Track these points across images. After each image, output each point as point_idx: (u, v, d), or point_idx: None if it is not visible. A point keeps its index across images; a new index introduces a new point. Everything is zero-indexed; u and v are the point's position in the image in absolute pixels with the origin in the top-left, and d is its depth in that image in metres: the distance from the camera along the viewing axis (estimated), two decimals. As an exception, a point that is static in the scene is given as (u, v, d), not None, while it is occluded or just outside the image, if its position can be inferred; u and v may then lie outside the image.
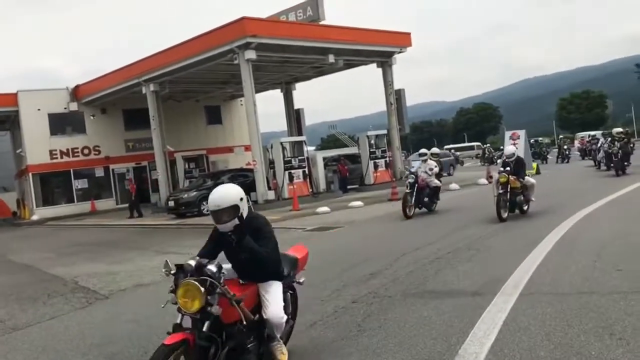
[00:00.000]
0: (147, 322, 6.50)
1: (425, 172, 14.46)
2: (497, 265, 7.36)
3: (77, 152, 30.62)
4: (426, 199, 14.35)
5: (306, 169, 22.36)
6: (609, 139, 22.54)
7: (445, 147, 67.64)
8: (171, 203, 21.71)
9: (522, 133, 25.17)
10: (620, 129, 21.81)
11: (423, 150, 15.97)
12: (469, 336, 4.73)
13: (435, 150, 19.02)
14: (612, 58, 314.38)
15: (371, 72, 27.19)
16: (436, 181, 14.66)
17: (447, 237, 10.04)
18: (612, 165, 20.47)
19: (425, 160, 14.88)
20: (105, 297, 8.25)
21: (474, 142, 75.14)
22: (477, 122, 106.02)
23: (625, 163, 19.84)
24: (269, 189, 21.40)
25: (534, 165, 25.42)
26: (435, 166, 14.88)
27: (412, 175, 14.31)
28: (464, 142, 79.61)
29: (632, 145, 21.81)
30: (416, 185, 14.10)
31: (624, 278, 6.04)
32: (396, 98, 26.81)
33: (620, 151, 19.56)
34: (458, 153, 59.42)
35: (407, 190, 14.14)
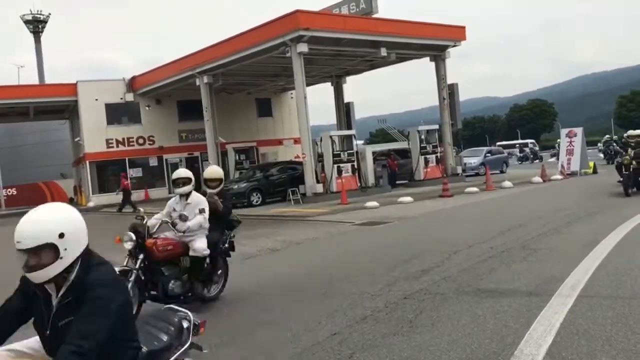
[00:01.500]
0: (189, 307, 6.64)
1: None
2: (553, 266, 7.17)
3: (132, 141, 31.53)
4: None
5: (355, 163, 22.30)
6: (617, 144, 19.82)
7: (498, 143, 66.22)
8: (222, 193, 22.02)
9: (579, 131, 24.43)
10: (635, 131, 16.36)
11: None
12: (524, 337, 4.62)
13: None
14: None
15: (423, 66, 26.92)
16: None
17: (502, 235, 9.84)
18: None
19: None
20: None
21: (528, 139, 73.19)
22: (531, 118, 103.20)
23: None
24: (318, 182, 21.47)
25: (590, 164, 24.60)
26: None
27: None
28: (517, 139, 77.62)
29: None
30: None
31: (691, 284, 5.78)
32: (449, 93, 26.43)
33: (633, 162, 14.65)
34: (536, 148, 56.31)
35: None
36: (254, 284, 7.79)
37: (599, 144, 43.69)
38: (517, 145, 60.97)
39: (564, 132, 25.55)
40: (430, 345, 4.67)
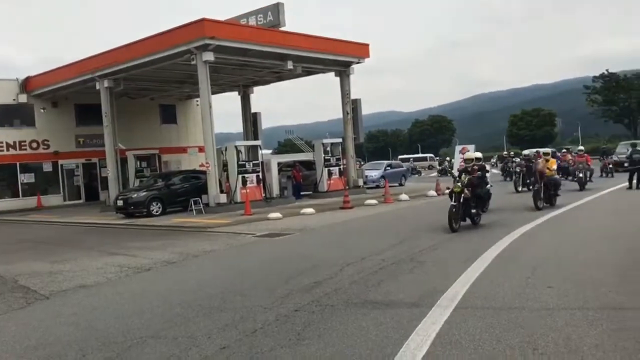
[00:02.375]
0: (88, 324, 6.45)
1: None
2: (437, 278, 7.61)
3: (25, 145, 29.70)
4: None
5: (260, 174, 22.36)
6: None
7: (399, 157, 68.81)
8: (120, 202, 21.34)
9: (471, 148, 25.83)
10: (475, 154, 14.66)
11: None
12: (402, 347, 4.91)
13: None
14: (563, 78, 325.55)
15: (331, 79, 27.48)
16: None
17: (393, 248, 10.28)
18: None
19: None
20: (46, 298, 8.09)
21: (427, 153, 76.58)
22: (431, 133, 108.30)
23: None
24: (222, 192, 21.31)
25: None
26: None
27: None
28: (417, 152, 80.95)
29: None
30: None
31: (553, 295, 6.37)
32: (352, 108, 27.19)
33: (466, 190, 12.47)
34: (416, 163, 61.13)
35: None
36: (144, 299, 7.66)
37: (491, 160, 46.94)
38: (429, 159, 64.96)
39: (457, 148, 26.97)
40: (314, 358, 4.84)
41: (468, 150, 25.46)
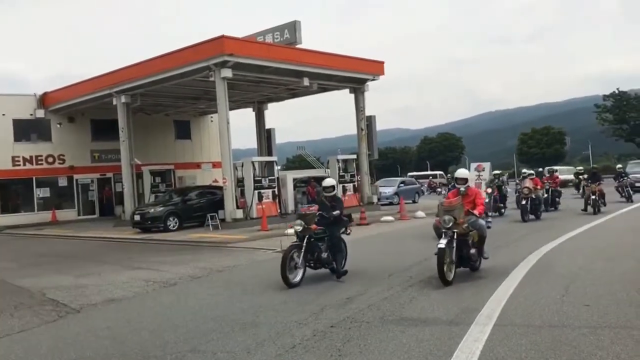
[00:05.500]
0: (124, 338, 6.46)
1: None
2: (469, 295, 7.57)
3: (41, 160, 29.93)
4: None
5: (276, 190, 22.41)
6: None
7: (409, 174, 68.62)
8: (137, 217, 21.40)
9: (487, 165, 25.80)
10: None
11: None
12: (449, 364, 4.88)
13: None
14: (571, 97, 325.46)
15: (339, 96, 27.67)
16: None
17: (419, 265, 10.24)
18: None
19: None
20: (77, 311, 8.10)
21: (437, 170, 76.38)
22: (440, 151, 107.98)
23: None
24: (237, 207, 21.34)
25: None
26: None
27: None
28: (427, 169, 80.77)
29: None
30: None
31: (592, 313, 6.33)
32: (367, 124, 27.27)
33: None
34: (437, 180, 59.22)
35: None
36: (176, 313, 7.66)
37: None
38: (439, 176, 63.74)
39: (473, 165, 26.92)
40: (360, 374, 4.82)
41: (484, 169, 25.51)
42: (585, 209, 19.59)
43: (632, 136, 71.09)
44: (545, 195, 21.05)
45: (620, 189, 24.99)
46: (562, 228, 15.22)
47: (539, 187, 19.88)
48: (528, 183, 19.01)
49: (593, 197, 19.36)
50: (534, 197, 18.58)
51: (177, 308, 8.06)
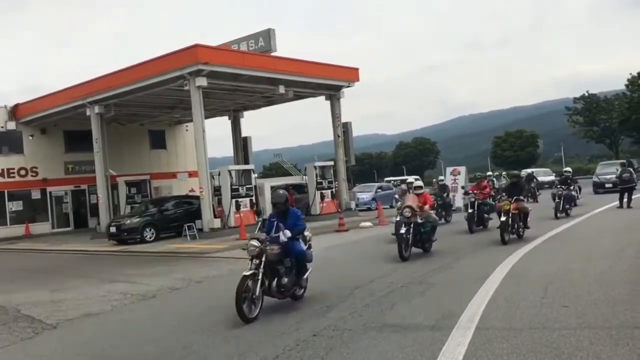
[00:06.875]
0: (102, 354, 6.35)
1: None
2: (449, 300, 7.61)
3: (13, 173, 29.32)
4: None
5: (253, 198, 22.31)
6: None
7: (386, 179, 69.00)
8: (113, 229, 21.10)
9: (462, 169, 26.17)
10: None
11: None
12: (432, 370, 4.90)
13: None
14: (543, 99, 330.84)
15: (315, 103, 27.73)
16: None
17: (399, 270, 10.27)
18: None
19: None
20: (53, 327, 7.94)
21: (413, 175, 76.88)
22: (415, 155, 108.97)
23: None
24: (215, 217, 21.19)
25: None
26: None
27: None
28: (402, 174, 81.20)
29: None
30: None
31: (571, 314, 6.41)
32: (343, 130, 27.37)
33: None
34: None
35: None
36: (157, 327, 7.58)
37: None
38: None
39: (449, 169, 27.22)
40: (345, 382, 4.81)
41: (459, 172, 25.83)
42: (502, 238, 12.91)
43: (602, 138, 72.42)
44: (471, 210, 16.36)
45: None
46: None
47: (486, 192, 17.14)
48: (410, 200, 12.27)
49: (503, 218, 12.97)
50: (420, 220, 11.94)
51: (156, 321, 7.96)
